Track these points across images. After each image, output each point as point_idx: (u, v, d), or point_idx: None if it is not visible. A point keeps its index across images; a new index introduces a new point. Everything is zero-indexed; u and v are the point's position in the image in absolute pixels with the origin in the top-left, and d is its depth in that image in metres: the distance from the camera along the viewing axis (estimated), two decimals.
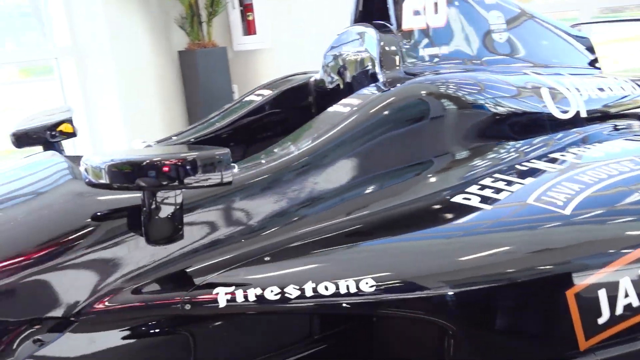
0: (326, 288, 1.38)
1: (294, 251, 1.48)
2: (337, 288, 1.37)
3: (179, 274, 1.39)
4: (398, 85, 1.78)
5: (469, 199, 1.59)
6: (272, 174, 1.51)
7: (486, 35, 2.13)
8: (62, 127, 1.87)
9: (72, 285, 1.32)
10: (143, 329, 1.36)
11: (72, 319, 1.31)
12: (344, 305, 1.37)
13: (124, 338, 1.36)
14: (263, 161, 1.56)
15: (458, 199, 1.60)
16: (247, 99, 2.13)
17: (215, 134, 2.04)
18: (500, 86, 1.93)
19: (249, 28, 4.74)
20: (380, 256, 1.47)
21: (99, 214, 1.35)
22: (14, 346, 1.24)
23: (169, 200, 1.30)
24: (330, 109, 1.71)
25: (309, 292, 1.37)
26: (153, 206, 1.28)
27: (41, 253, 1.30)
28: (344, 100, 1.73)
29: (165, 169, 1.23)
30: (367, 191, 1.60)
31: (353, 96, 1.74)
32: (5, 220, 1.36)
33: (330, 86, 2.12)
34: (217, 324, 1.40)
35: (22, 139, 1.81)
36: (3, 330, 1.26)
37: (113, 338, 1.35)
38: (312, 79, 2.19)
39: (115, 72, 4.00)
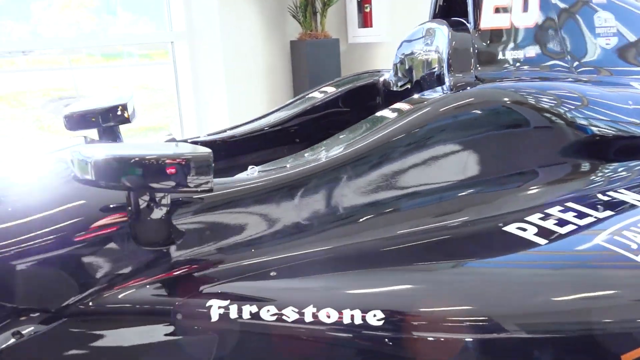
0: (328, 316, 1.20)
1: (304, 268, 1.31)
2: (340, 317, 1.19)
3: (175, 279, 1.27)
4: (468, 88, 1.55)
5: (525, 229, 1.33)
6: (299, 179, 1.34)
7: (588, 39, 1.80)
8: (118, 112, 1.82)
9: (62, 281, 1.25)
10: (130, 333, 1.26)
11: (58, 315, 1.25)
12: (345, 336, 1.19)
13: (108, 340, 1.27)
14: (288, 164, 1.40)
15: (512, 228, 1.35)
16: (310, 95, 1.98)
17: (271, 129, 1.90)
18: (595, 100, 1.62)
19: (365, 20, 4.55)
20: (394, 285, 1.26)
21: (95, 209, 1.27)
22: None
23: (157, 201, 1.19)
24: (378, 113, 1.51)
25: (308, 317, 1.20)
26: (141, 207, 1.18)
27: (32, 244, 1.24)
28: (395, 105, 1.52)
29: (153, 169, 1.11)
30: (404, 208, 1.39)
31: (405, 101, 1.53)
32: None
33: (399, 87, 1.91)
34: (207, 337, 1.27)
35: (74, 122, 1.78)
36: None
37: (98, 339, 1.26)
38: (381, 79, 1.98)
39: (223, 58, 4.00)
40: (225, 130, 1.89)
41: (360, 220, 1.37)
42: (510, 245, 1.33)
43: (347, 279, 1.29)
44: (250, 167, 1.41)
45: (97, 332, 1.25)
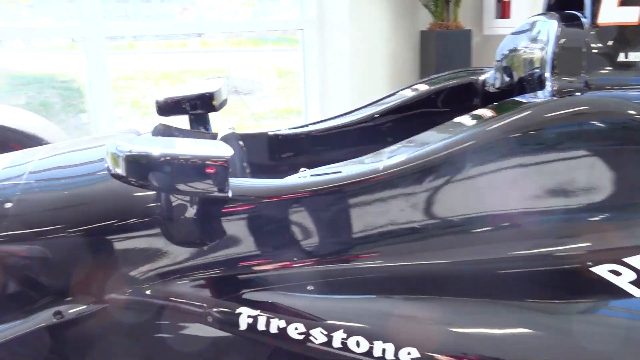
0: (357, 344, 1.05)
1: (347, 286, 1.16)
2: (371, 348, 1.04)
3: (211, 280, 1.19)
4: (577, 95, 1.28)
5: (619, 274, 1.08)
6: (352, 187, 1.19)
7: None
8: (205, 100, 1.78)
9: (104, 269, 1.22)
10: (163, 327, 1.21)
11: (99, 301, 1.22)
12: None
13: (143, 330, 1.23)
14: (344, 170, 1.25)
15: (602, 270, 1.10)
16: (401, 92, 1.79)
17: (354, 126, 1.75)
18: None
19: (503, 11, 4.18)
20: (437, 322, 1.07)
21: (141, 201, 1.22)
22: (32, 313, 1.19)
23: (188, 201, 1.10)
24: (456, 119, 1.30)
25: (336, 343, 1.07)
26: (173, 204, 1.10)
27: (80, 230, 1.21)
28: (476, 112, 1.30)
29: (182, 168, 1.03)
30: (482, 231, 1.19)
31: (489, 107, 1.30)
32: (54, 192, 1.30)
33: (498, 87, 1.66)
34: (235, 343, 1.17)
35: (164, 108, 1.77)
36: (28, 296, 1.22)
37: (133, 327, 1.22)
38: (481, 77, 1.74)
39: (350, 46, 3.88)
40: (309, 125, 1.77)
41: (431, 237, 1.19)
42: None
43: (396, 304, 1.13)
44: (302, 169, 1.28)
45: (133, 322, 1.21)
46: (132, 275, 1.19)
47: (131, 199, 1.21)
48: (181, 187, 1.02)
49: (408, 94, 1.75)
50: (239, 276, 1.18)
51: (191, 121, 1.81)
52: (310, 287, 1.15)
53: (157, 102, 1.76)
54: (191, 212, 1.13)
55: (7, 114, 2.12)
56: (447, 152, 1.16)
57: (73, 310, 1.18)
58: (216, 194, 1.00)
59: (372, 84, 3.99)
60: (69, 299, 1.20)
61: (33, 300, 1.20)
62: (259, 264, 1.17)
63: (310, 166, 1.46)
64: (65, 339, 1.21)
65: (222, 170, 0.99)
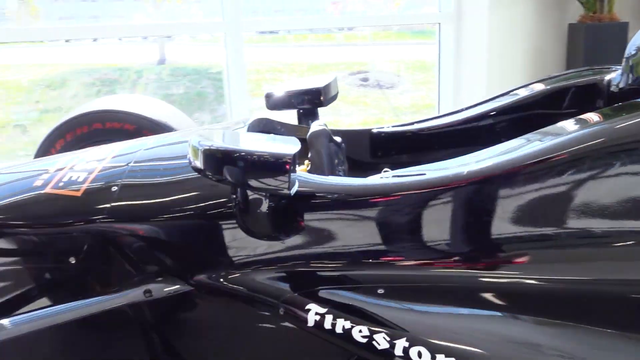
0: (419, 354, 1.00)
1: (422, 294, 1.10)
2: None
3: (286, 274, 1.19)
4: None
5: None
6: (434, 190, 1.12)
7: None
8: (312, 96, 1.79)
9: (192, 254, 1.27)
10: (240, 314, 1.23)
11: (186, 283, 1.27)
12: None
13: (217, 318, 1.26)
14: (428, 172, 1.18)
15: None
16: (515, 91, 1.65)
17: (461, 126, 1.65)
18: None
19: None
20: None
21: (226, 190, 1.25)
22: (126, 289, 1.26)
23: (260, 194, 1.10)
24: (559, 124, 1.17)
25: (398, 350, 1.02)
26: (253, 197, 1.11)
27: (171, 217, 1.27)
28: (582, 116, 1.15)
29: (253, 164, 1.03)
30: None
31: (598, 111, 1.14)
32: (152, 179, 1.36)
33: (622, 88, 1.46)
34: (304, 339, 1.16)
35: (274, 102, 1.80)
36: (124, 272, 1.30)
37: (215, 310, 1.26)
38: (607, 77, 1.55)
39: (488, 40, 3.67)
40: (414, 123, 1.70)
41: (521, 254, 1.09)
42: None
43: (477, 320, 1.05)
44: (384, 169, 1.23)
45: (213, 307, 1.25)
46: (215, 262, 1.23)
47: (218, 190, 1.25)
48: (251, 182, 1.02)
49: (522, 93, 1.61)
50: (312, 272, 1.16)
51: (300, 116, 1.82)
52: (380, 291, 1.11)
53: (267, 96, 1.79)
54: (271, 206, 1.14)
55: (142, 102, 2.30)
56: (544, 158, 1.05)
57: (161, 290, 1.25)
58: (278, 190, 1.00)
59: (511, 80, 3.75)
60: (159, 279, 1.26)
61: (128, 277, 1.29)
62: (332, 263, 1.15)
63: (410, 165, 1.41)
64: (151, 316, 1.28)
65: (283, 167, 0.98)
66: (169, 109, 2.39)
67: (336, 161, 1.48)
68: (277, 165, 0.99)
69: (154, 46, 7.53)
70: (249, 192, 1.13)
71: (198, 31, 3.66)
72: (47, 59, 7.43)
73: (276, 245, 1.18)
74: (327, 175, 1.41)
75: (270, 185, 1.01)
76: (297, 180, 1.07)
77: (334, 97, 1.84)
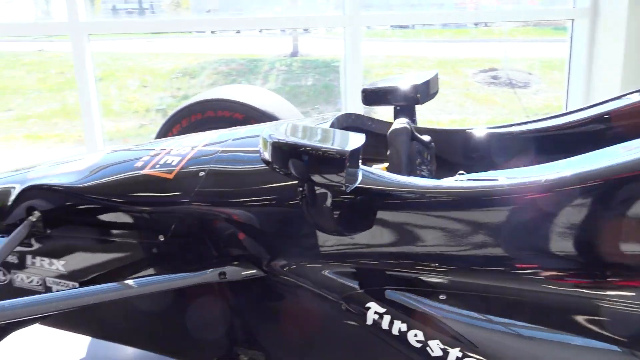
0: None
1: (481, 303, 1.04)
2: None
3: (350, 270, 1.17)
4: None
5: None
6: (507, 197, 1.04)
7: None
8: (409, 92, 1.73)
9: (266, 243, 1.29)
10: (307, 305, 1.23)
11: (259, 269, 1.29)
12: None
13: (284, 306, 1.27)
14: (503, 178, 1.09)
15: None
16: (629, 95, 1.47)
17: (560, 131, 1.50)
18: None
19: None
20: None
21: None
22: (203, 269, 1.30)
23: (325, 189, 1.09)
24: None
25: (451, 358, 0.97)
26: (314, 191, 1.10)
27: (249, 205, 1.30)
28: None
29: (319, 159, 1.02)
30: None
31: None
32: (234, 168, 1.39)
33: None
34: (361, 336, 1.14)
35: (370, 97, 1.77)
36: (201, 254, 1.35)
37: (283, 297, 1.27)
38: None
39: (625, 38, 3.34)
40: (512, 125, 1.59)
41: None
42: None
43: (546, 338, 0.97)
44: (459, 172, 1.16)
45: (284, 293, 1.27)
46: (287, 252, 1.25)
47: (292, 183, 1.26)
48: (314, 177, 1.02)
49: (634, 99, 1.44)
50: (375, 271, 1.14)
51: (396, 112, 1.78)
52: (442, 297, 1.06)
53: (364, 91, 1.77)
54: (335, 200, 1.13)
55: (253, 93, 2.37)
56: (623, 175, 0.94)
57: (236, 273, 1.29)
58: (337, 186, 0.99)
59: None
60: (235, 263, 1.31)
61: (207, 258, 1.34)
62: (396, 263, 1.12)
63: (503, 169, 1.33)
64: (223, 298, 1.33)
65: (341, 163, 0.97)
66: (277, 100, 2.44)
67: (419, 160, 1.43)
68: (335, 161, 0.97)
69: (289, 39, 7.77)
70: (316, 187, 1.12)
71: (318, 24, 3.70)
72: (193, 49, 7.95)
73: (342, 241, 1.17)
74: (405, 174, 1.37)
75: (330, 181, 1.00)
76: (359, 177, 1.05)
77: (433, 95, 1.78)
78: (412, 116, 1.77)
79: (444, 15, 3.90)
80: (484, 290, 1.03)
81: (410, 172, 1.39)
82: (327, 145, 0.99)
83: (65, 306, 1.21)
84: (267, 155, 1.07)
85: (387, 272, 1.13)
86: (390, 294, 1.10)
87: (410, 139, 1.43)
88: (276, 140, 1.05)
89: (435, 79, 1.78)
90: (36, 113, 6.30)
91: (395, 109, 1.77)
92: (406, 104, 1.73)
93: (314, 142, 1.01)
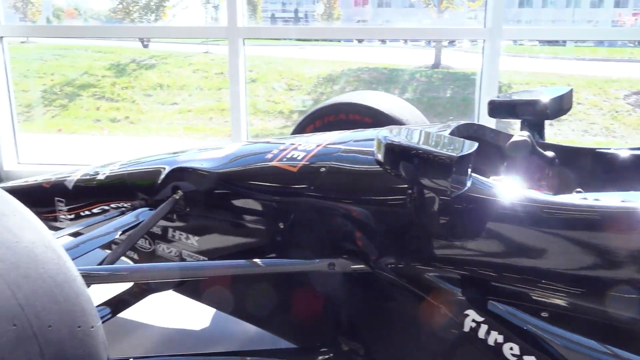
0: None
1: (586, 327, 0.98)
2: None
3: (452, 276, 1.15)
4: None
5: None
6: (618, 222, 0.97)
7: None
8: (537, 107, 1.65)
9: (374, 240, 1.30)
10: (409, 306, 1.23)
11: (366, 264, 1.30)
12: None
13: (393, 299, 1.27)
14: (621, 200, 1.01)
15: None
16: None
17: None
18: None
19: None
20: None
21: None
22: (313, 258, 1.35)
23: (432, 193, 1.08)
24: None
25: None
26: (423, 195, 1.10)
27: (357, 202, 1.32)
28: None
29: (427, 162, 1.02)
30: None
31: None
32: (350, 166, 1.41)
33: None
34: (457, 342, 1.11)
35: (496, 110, 1.70)
36: (315, 244, 1.39)
37: (387, 294, 1.28)
38: None
39: None
40: None
41: None
42: None
43: None
44: (576, 190, 1.09)
45: (388, 290, 1.28)
46: (394, 252, 1.26)
47: (404, 185, 1.27)
48: (423, 180, 1.02)
49: None
50: (478, 280, 1.11)
51: (523, 127, 1.71)
52: (544, 314, 1.01)
53: (490, 103, 1.72)
54: (443, 205, 1.12)
55: (383, 99, 2.39)
56: None
57: (345, 266, 1.33)
58: (443, 191, 0.98)
59: None
60: (344, 256, 1.35)
61: (320, 248, 1.39)
62: (502, 275, 1.09)
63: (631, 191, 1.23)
64: (331, 288, 1.37)
65: (447, 168, 0.96)
66: (407, 107, 2.44)
67: (538, 175, 1.37)
68: (443, 166, 0.97)
69: (432, 51, 7.69)
70: (425, 190, 1.12)
71: (459, 37, 3.64)
72: (339, 57, 8.17)
73: (449, 246, 1.16)
74: (522, 187, 1.32)
75: (438, 185, 1.00)
76: (468, 184, 1.03)
77: (564, 112, 1.69)
78: (540, 131, 1.69)
79: (596, 32, 3.64)
80: (590, 314, 0.97)
81: (528, 186, 1.34)
82: (437, 150, 0.99)
83: (193, 275, 1.33)
84: (380, 156, 1.09)
85: (492, 283, 1.09)
86: (491, 304, 1.07)
87: (530, 153, 1.37)
88: (389, 142, 1.06)
89: (569, 95, 1.68)
90: (196, 108, 6.85)
91: (522, 122, 1.71)
92: (534, 118, 1.65)
93: (425, 145, 1.01)
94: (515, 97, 1.70)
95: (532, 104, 1.64)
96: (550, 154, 1.43)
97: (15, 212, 0.88)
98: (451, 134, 1.47)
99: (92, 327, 0.90)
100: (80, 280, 0.90)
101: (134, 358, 1.44)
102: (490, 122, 2.89)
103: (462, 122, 1.54)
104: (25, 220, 0.89)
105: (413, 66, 7.53)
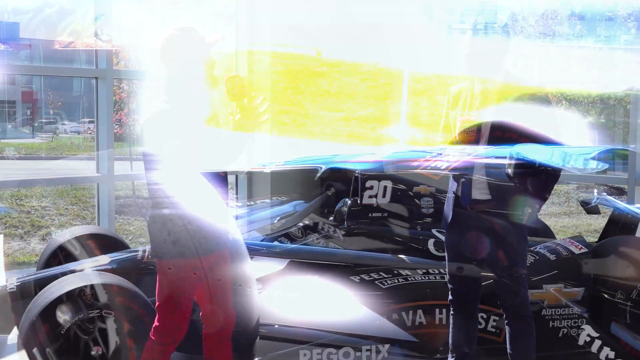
0: None
1: None
2: None
3: (585, 294, 1.18)
4: None
5: None
6: None
7: None
8: None
9: (509, 249, 1.35)
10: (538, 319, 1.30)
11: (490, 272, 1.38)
12: None
13: None
14: None
15: None
16: None
17: None
18: None
19: None
20: None
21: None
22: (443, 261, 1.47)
23: None
24: None
25: None
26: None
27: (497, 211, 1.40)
28: None
29: None
30: None
31: None
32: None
33: None
34: (572, 354, 1.14)
35: None
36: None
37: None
38: None
39: None
40: None
41: None
42: None
43: None
44: None
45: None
46: (521, 263, 1.33)
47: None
48: (547, 195, 1.08)
49: None
50: (603, 300, 1.15)
51: None
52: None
53: None
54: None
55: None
56: None
57: (472, 271, 1.44)
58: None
59: None
60: (473, 263, 1.44)
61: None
62: (628, 298, 1.11)
63: None
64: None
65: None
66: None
67: None
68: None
69: None
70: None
71: None
72: None
73: (576, 266, 1.20)
74: None
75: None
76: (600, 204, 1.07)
77: None
78: None
79: None
80: None
81: None
82: (568, 166, 1.05)
83: (334, 260, 1.53)
84: (510, 171, 1.17)
85: (617, 304, 1.12)
86: (607, 322, 1.10)
87: None
88: (520, 159, 1.14)
89: None
90: (360, 116, 7.10)
91: None
92: None
93: (553, 162, 1.07)
94: None
95: None
96: None
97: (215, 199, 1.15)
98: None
99: (249, 288, 1.14)
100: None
101: (279, 325, 1.68)
102: None
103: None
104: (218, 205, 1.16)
105: None
